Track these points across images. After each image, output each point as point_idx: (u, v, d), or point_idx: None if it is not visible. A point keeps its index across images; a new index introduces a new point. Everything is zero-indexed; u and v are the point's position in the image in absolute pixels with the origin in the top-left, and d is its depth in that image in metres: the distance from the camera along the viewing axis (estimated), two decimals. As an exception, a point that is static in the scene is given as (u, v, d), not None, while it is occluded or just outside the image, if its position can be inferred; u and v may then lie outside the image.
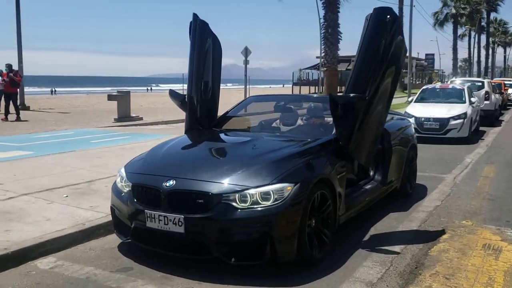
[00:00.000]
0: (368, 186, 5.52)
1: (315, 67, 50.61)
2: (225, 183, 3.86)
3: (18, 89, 16.79)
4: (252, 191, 3.79)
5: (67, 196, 5.86)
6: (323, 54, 18.16)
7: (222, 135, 5.34)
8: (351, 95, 4.58)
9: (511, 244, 4.64)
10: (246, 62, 21.52)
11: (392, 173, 6.01)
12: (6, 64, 16.16)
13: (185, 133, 5.51)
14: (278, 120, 6.01)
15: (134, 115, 16.77)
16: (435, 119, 12.46)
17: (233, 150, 4.70)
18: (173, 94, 5.51)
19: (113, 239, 4.59)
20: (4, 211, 5.20)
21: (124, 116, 16.15)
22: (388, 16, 4.71)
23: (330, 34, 17.88)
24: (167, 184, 3.94)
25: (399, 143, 6.23)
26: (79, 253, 4.40)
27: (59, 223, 4.85)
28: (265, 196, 3.79)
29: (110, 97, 17.01)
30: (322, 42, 18.00)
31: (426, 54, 72.26)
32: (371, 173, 5.81)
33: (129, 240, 4.24)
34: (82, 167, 7.60)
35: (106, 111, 19.63)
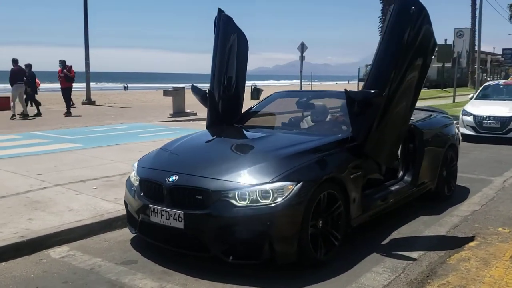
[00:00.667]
0: (394, 187, 5.24)
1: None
2: (225, 180, 3.79)
3: (72, 84, 17.20)
4: (251, 189, 3.69)
5: (96, 187, 6.04)
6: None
7: (239, 132, 5.27)
8: (369, 91, 4.35)
9: (546, 256, 4.23)
10: (302, 58, 21.35)
11: (425, 174, 5.67)
12: (60, 60, 16.75)
13: (206, 129, 5.50)
14: (308, 117, 5.85)
15: (188, 111, 17.08)
16: (496, 118, 11.67)
17: (243, 147, 4.63)
18: (194, 89, 5.51)
19: (128, 232, 4.65)
20: (34, 201, 5.44)
21: (179, 111, 16.53)
22: (413, 7, 4.42)
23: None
24: (170, 180, 3.93)
25: (434, 142, 5.87)
26: (92, 244, 4.51)
27: (80, 213, 5.00)
28: (265, 194, 3.68)
29: (166, 93, 17.52)
30: (380, 37, 17.32)
31: (504, 49, 68.15)
32: (400, 173, 5.51)
33: (137, 234, 4.29)
34: (121, 160, 7.83)
35: (167, 107, 20.13)
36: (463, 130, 12.11)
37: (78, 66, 18.02)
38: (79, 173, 6.87)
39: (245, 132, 5.24)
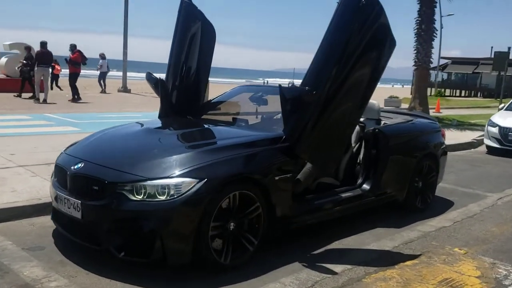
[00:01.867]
0: (346, 194, 4.86)
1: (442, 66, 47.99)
2: (125, 172, 3.58)
3: (79, 70, 16.76)
4: (148, 183, 3.47)
5: (56, 171, 6.00)
6: (414, 52, 16.73)
7: (179, 124, 5.02)
8: (300, 87, 4.03)
9: (487, 283, 3.76)
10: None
11: (389, 183, 5.26)
12: (70, 45, 16.59)
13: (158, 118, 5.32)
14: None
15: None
16: (522, 131, 10.83)
17: (166, 139, 4.32)
18: (148, 77, 5.33)
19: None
20: (-14, 179, 5.46)
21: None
22: (363, 0, 4.04)
23: (424, 30, 16.34)
24: (75, 167, 3.79)
25: (404, 149, 5.42)
26: (16, 227, 4.45)
27: (20, 195, 4.97)
28: (162, 190, 3.45)
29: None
30: (414, 39, 16.57)
31: None
32: (359, 180, 5.12)
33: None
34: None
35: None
36: (488, 142, 11.34)
37: (136, 56, 18.12)
38: (53, 156, 6.84)
39: (185, 124, 5.00)
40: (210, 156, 3.74)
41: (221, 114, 5.48)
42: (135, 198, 3.45)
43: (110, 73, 24.24)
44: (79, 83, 16.90)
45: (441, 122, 13.03)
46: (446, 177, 6.82)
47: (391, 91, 40.99)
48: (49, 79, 15.69)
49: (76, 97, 16.05)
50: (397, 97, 24.75)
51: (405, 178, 5.42)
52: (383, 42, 4.22)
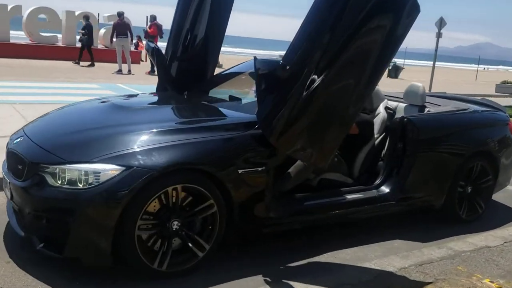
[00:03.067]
0: (353, 196, 3.95)
1: None
2: (49, 152, 3.08)
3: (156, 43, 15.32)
4: (67, 166, 2.94)
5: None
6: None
7: (152, 101, 4.44)
8: (274, 61, 3.23)
9: None
10: (438, 35, 18.77)
11: (420, 186, 4.24)
12: (150, 16, 15.99)
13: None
14: None
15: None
16: None
17: (118, 117, 3.62)
18: (147, 46, 4.81)
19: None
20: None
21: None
22: None
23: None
24: (14, 142, 3.38)
25: (443, 145, 4.33)
26: None
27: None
28: (81, 176, 2.90)
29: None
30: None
31: None
32: (378, 180, 4.18)
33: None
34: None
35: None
36: None
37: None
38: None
39: (161, 101, 4.40)
40: (152, 139, 3.10)
41: (224, 90, 4.77)
42: (52, 183, 2.93)
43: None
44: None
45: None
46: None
47: (505, 75, 36.82)
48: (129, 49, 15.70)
49: (152, 69, 16.09)
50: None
51: (443, 180, 4.34)
52: (400, 7, 3.23)
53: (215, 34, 4.76)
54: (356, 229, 4.19)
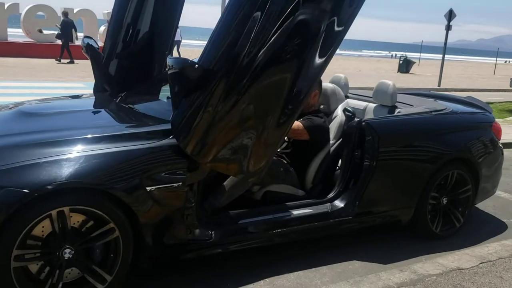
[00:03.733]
0: (299, 211, 3.44)
1: None
2: None
3: None
4: None
5: None
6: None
7: (78, 103, 4.04)
8: (183, 58, 2.74)
9: None
10: (448, 27, 18.06)
11: (381, 199, 3.72)
12: None
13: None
14: None
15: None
16: None
17: (16, 127, 3.10)
18: (82, 42, 4.30)
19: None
20: None
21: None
22: None
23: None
24: None
25: (410, 152, 3.79)
26: None
27: None
28: None
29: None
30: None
31: None
32: (332, 192, 3.66)
33: None
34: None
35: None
36: None
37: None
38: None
39: (81, 105, 3.96)
40: (39, 152, 2.63)
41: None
42: None
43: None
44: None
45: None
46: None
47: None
48: None
49: None
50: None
51: (411, 192, 3.80)
52: None
53: (163, 29, 4.29)
54: (306, 246, 3.68)
